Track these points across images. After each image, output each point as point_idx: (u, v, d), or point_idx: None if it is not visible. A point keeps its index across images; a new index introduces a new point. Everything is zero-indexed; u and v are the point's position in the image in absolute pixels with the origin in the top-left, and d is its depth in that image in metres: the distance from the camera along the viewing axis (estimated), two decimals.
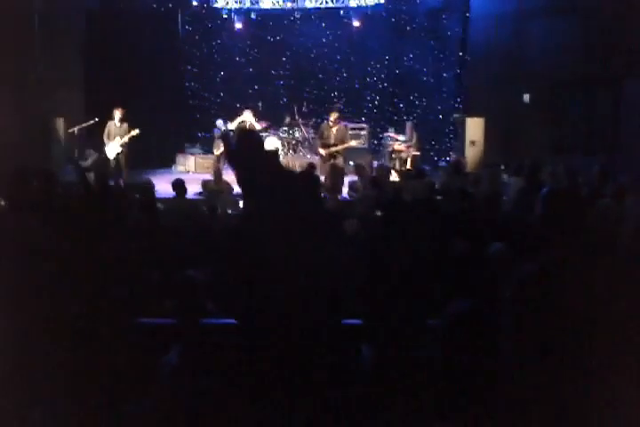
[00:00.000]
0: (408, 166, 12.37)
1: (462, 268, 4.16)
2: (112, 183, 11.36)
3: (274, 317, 3.24)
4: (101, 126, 11.85)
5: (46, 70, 12.29)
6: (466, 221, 4.49)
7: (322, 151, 11.58)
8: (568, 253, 2.78)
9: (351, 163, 11.35)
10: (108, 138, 11.74)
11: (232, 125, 12.60)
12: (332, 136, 11.43)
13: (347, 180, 10.51)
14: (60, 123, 12.43)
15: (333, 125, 11.48)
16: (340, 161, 11.30)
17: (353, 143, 11.99)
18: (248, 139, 3.38)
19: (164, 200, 8.71)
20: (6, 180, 4.18)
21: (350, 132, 13.24)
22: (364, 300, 3.61)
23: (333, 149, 11.40)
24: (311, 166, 9.66)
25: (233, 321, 3.83)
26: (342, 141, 11.46)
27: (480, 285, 3.97)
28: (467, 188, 6.91)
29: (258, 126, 12.67)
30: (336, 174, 10.03)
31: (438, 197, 7.17)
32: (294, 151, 14.42)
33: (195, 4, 14.98)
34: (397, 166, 12.65)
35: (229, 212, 8.04)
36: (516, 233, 4.64)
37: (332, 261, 3.23)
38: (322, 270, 3.18)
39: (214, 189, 9.41)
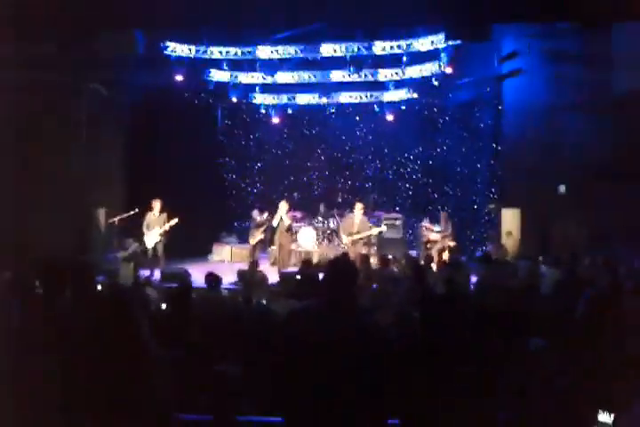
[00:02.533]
0: (444, 257, 12.30)
1: (502, 365, 4.06)
2: (149, 273, 11.54)
3: (313, 415, 3.17)
4: (141, 217, 12.16)
5: (89, 162, 12.75)
6: (503, 315, 4.43)
7: (345, 239, 12.24)
8: (608, 361, 2.72)
9: (390, 256, 11.43)
10: (147, 228, 12.03)
11: (274, 221, 12.81)
12: (355, 225, 12.12)
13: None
14: (102, 213, 12.75)
15: (356, 216, 12.24)
16: (360, 248, 12.15)
17: (374, 231, 12.57)
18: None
19: (198, 290, 8.76)
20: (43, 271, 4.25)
21: (385, 222, 13.50)
22: (403, 397, 3.52)
23: (356, 236, 12.05)
24: (346, 255, 9.68)
25: (267, 419, 3.75)
26: (364, 230, 12.14)
27: (520, 383, 3.86)
28: (504, 280, 6.83)
29: (288, 220, 12.83)
30: (365, 264, 10.09)
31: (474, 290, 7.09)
32: (329, 241, 14.51)
33: (234, 100, 15.57)
34: (433, 257, 12.59)
35: (264, 302, 8.02)
36: (555, 329, 4.54)
37: (370, 358, 3.18)
38: (360, 367, 3.13)
39: (251, 279, 9.44)
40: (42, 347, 3.40)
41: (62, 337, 3.48)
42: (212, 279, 7.75)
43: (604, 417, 2.99)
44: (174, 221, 11.94)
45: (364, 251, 12.45)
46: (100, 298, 3.61)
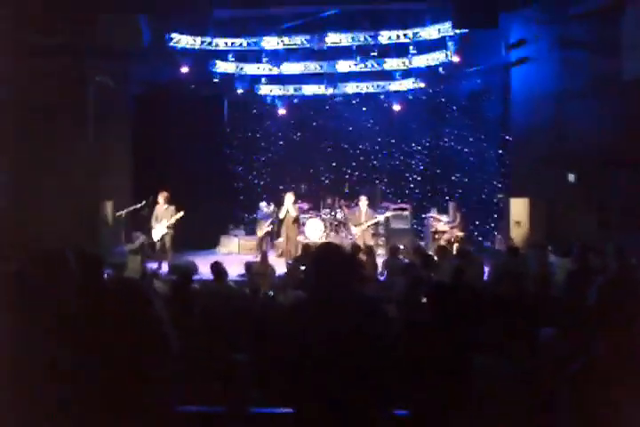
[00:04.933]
0: (454, 248, 12.24)
1: (513, 354, 4.02)
2: (156, 266, 11.53)
3: (321, 407, 3.13)
4: (149, 209, 12.14)
5: (96, 155, 12.72)
6: (517, 304, 4.38)
7: (354, 230, 12.86)
8: (621, 348, 2.66)
9: (402, 246, 11.42)
10: (156, 221, 12.00)
11: (281, 213, 12.87)
12: (362, 215, 12.82)
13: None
14: (109, 206, 12.72)
15: (362, 207, 12.93)
16: (369, 237, 12.83)
17: (380, 218, 13.34)
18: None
19: (207, 282, 8.74)
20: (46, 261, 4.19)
21: (392, 213, 13.56)
22: (411, 389, 3.48)
23: (364, 225, 12.74)
24: (356, 248, 9.71)
25: (278, 410, 3.72)
26: (371, 219, 12.91)
27: (532, 372, 3.82)
28: (516, 270, 6.78)
29: (295, 212, 12.85)
30: (372, 255, 10.13)
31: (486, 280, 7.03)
32: (336, 232, 14.46)
33: (240, 91, 15.49)
34: (444, 247, 12.54)
35: (271, 294, 8.00)
36: (567, 318, 4.49)
37: (379, 349, 3.14)
38: (369, 358, 3.08)
39: (258, 270, 9.41)
40: (50, 338, 3.36)
41: (73, 329, 3.44)
42: (217, 270, 7.75)
43: None
44: (180, 214, 11.90)
45: (372, 242, 12.54)
46: (113, 289, 3.55)
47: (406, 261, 10.01)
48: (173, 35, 13.07)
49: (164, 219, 11.99)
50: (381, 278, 9.61)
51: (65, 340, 3.29)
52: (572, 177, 11.95)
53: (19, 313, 3.33)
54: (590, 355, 2.91)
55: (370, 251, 10.28)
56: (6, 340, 3.23)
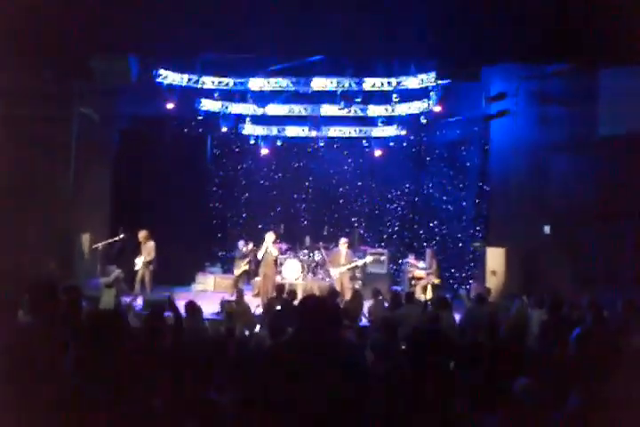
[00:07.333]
0: (428, 294, 12.31)
1: (488, 402, 4.03)
2: (130, 299, 11.42)
3: None
4: (124, 243, 12.11)
5: (76, 187, 12.70)
6: (491, 353, 4.40)
7: (333, 272, 12.82)
8: (599, 398, 2.71)
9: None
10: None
11: (260, 252, 12.81)
12: (342, 257, 12.77)
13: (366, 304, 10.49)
14: (86, 238, 12.65)
15: (342, 250, 12.90)
16: (347, 280, 12.68)
17: (360, 262, 13.27)
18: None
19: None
20: (34, 293, 4.19)
21: (372, 257, 13.61)
22: None
23: (344, 268, 12.66)
24: (334, 293, 9.71)
25: None
26: (350, 261, 12.85)
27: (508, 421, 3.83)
28: (488, 319, 6.81)
29: (275, 251, 12.82)
30: (355, 299, 10.10)
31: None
32: (313, 274, 14.47)
33: (224, 129, 15.62)
34: (417, 293, 12.59)
35: (247, 333, 7.96)
36: (541, 368, 4.53)
37: (355, 395, 3.15)
38: (344, 404, 3.09)
39: (234, 309, 9.36)
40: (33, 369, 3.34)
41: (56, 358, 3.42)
42: (191, 308, 7.68)
43: None
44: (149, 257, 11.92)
45: (349, 285, 12.56)
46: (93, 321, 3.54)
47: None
48: (161, 71, 13.19)
49: (139, 255, 11.99)
50: (362, 322, 9.58)
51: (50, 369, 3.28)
52: (547, 229, 12.14)
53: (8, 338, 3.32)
54: (568, 408, 2.95)
55: (356, 295, 10.31)
56: None
